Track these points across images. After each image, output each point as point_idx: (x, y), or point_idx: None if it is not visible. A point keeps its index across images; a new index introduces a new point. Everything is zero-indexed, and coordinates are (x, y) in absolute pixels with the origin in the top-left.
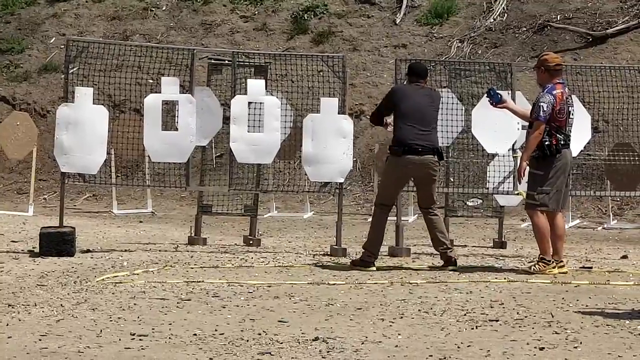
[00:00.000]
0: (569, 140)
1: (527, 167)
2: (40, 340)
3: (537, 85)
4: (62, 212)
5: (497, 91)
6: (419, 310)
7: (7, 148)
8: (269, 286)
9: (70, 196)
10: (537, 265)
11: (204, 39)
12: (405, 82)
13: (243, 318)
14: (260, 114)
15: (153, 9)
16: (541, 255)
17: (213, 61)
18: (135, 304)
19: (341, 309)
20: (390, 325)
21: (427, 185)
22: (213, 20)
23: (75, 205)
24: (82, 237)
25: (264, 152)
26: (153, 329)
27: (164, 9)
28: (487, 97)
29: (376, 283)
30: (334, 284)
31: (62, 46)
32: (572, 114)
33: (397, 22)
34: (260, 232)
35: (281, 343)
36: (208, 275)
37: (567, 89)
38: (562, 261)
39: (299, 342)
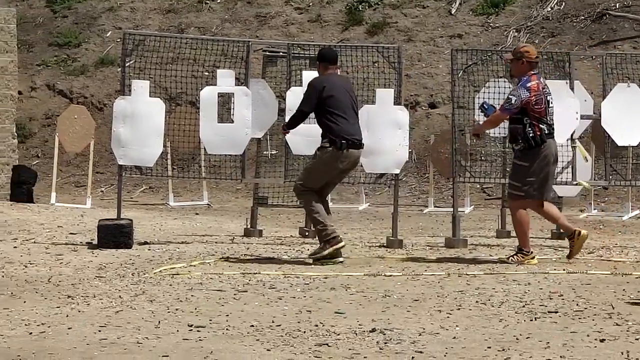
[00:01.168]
0: (553, 129)
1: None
2: (99, 331)
3: (596, 74)
4: (119, 205)
5: (490, 104)
6: (477, 301)
7: (65, 141)
8: (325, 278)
9: (127, 188)
10: (515, 257)
11: (259, 31)
12: (319, 70)
13: (300, 309)
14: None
15: (208, 2)
16: (519, 247)
17: (268, 53)
18: (192, 296)
19: (398, 300)
20: (448, 317)
21: (344, 177)
22: (268, 12)
23: (132, 198)
24: (139, 229)
25: (319, 144)
26: (210, 320)
27: (218, 1)
28: (480, 112)
29: (433, 274)
30: (390, 276)
31: (119, 40)
32: (552, 103)
33: (453, 12)
34: None
35: (338, 334)
36: (264, 267)
37: (542, 79)
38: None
39: (356, 334)
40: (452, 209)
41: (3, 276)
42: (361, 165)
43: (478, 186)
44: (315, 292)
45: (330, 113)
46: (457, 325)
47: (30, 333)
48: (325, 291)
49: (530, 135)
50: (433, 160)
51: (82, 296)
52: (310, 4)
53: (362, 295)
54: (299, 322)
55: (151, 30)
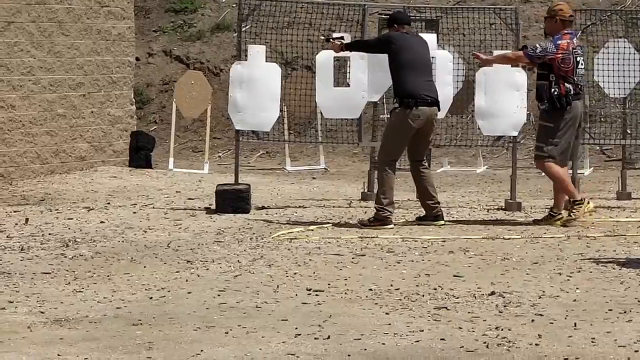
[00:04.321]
0: (580, 90)
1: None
2: (218, 295)
3: None
4: (237, 170)
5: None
6: (597, 263)
7: (183, 107)
8: (444, 241)
9: (244, 153)
10: (573, 212)
11: None
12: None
13: (418, 273)
14: (432, 69)
15: None
16: (572, 200)
17: (384, 16)
18: (310, 260)
19: (517, 263)
20: (568, 280)
21: (427, 137)
22: None
23: (249, 163)
24: (256, 194)
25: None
26: (329, 284)
27: None
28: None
29: (552, 237)
30: (509, 239)
31: (234, 5)
32: (582, 64)
33: None
34: None
35: (457, 298)
36: (382, 230)
37: (575, 39)
38: (560, 214)
39: (475, 297)
40: (571, 171)
41: (123, 241)
42: (479, 128)
43: (597, 148)
44: (433, 255)
45: (401, 69)
46: (577, 288)
47: (151, 298)
48: (443, 254)
49: (555, 94)
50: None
51: (201, 261)
52: None
53: (481, 258)
54: (417, 286)
55: None
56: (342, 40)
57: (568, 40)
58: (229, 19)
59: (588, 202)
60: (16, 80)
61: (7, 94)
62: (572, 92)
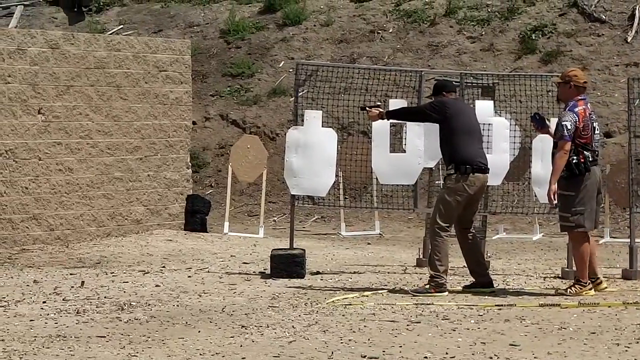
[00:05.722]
0: (597, 156)
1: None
2: None
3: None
4: (292, 234)
5: (542, 115)
6: None
7: (238, 171)
8: (500, 309)
9: (299, 218)
10: (573, 288)
11: (431, 60)
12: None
13: (474, 341)
14: (488, 135)
15: (380, 32)
16: (578, 278)
17: None
18: (365, 326)
19: (574, 332)
20: (626, 351)
21: (477, 204)
22: (440, 42)
23: (304, 227)
24: (311, 259)
25: (492, 174)
26: (384, 351)
27: (390, 31)
28: (532, 121)
29: (610, 307)
30: (566, 307)
31: (291, 70)
32: (597, 130)
33: (629, 40)
34: (489, 254)
35: None
36: (437, 297)
37: (589, 104)
38: (599, 278)
39: None
40: (629, 240)
41: (178, 305)
42: (535, 195)
43: None
44: (489, 323)
45: (456, 135)
46: (635, 359)
47: None
48: (499, 323)
49: (574, 162)
50: (609, 190)
51: (255, 326)
52: (483, 33)
53: (538, 327)
54: (473, 354)
55: (323, 60)
56: (380, 109)
57: (584, 107)
58: (285, 84)
59: (591, 289)
60: (74, 144)
61: (65, 157)
62: (590, 158)
